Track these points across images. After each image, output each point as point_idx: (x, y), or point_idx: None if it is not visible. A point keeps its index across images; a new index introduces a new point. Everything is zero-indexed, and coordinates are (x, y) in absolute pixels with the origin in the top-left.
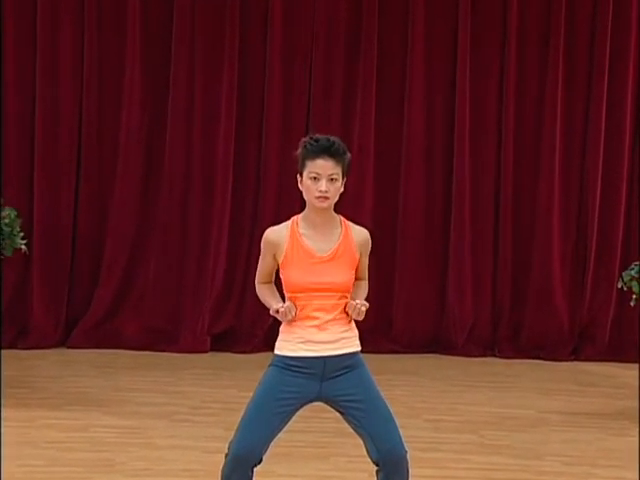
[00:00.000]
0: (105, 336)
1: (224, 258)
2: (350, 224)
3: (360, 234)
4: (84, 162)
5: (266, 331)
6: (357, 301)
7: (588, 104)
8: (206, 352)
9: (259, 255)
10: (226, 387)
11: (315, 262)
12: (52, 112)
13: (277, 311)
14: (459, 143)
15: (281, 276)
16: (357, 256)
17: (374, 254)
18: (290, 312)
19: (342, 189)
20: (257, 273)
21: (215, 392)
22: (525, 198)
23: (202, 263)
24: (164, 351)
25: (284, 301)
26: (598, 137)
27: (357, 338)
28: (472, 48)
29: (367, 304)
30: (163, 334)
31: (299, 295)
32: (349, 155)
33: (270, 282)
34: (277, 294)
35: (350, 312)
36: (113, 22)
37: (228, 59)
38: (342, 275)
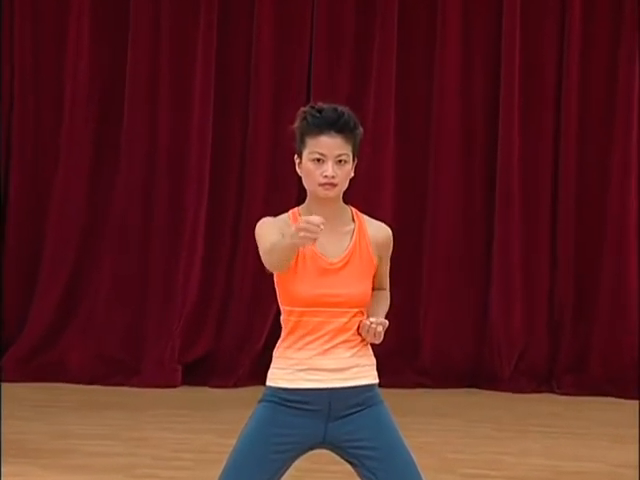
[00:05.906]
0: (44, 367)
1: (199, 265)
2: (366, 218)
3: (379, 231)
4: (16, 141)
5: (253, 358)
6: (372, 319)
7: None
8: (176, 386)
9: (243, 261)
10: (202, 432)
11: (323, 269)
12: None
13: (299, 230)
14: (505, 116)
15: (277, 287)
16: (375, 260)
17: (394, 258)
18: (315, 223)
19: (352, 174)
20: (262, 253)
21: (188, 438)
22: (592, 188)
23: (170, 272)
24: (121, 385)
25: (279, 316)
26: None
27: (374, 368)
28: None
29: (386, 322)
30: (119, 364)
31: (302, 310)
32: (361, 130)
33: None
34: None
35: (364, 334)
36: None
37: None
38: (357, 285)
